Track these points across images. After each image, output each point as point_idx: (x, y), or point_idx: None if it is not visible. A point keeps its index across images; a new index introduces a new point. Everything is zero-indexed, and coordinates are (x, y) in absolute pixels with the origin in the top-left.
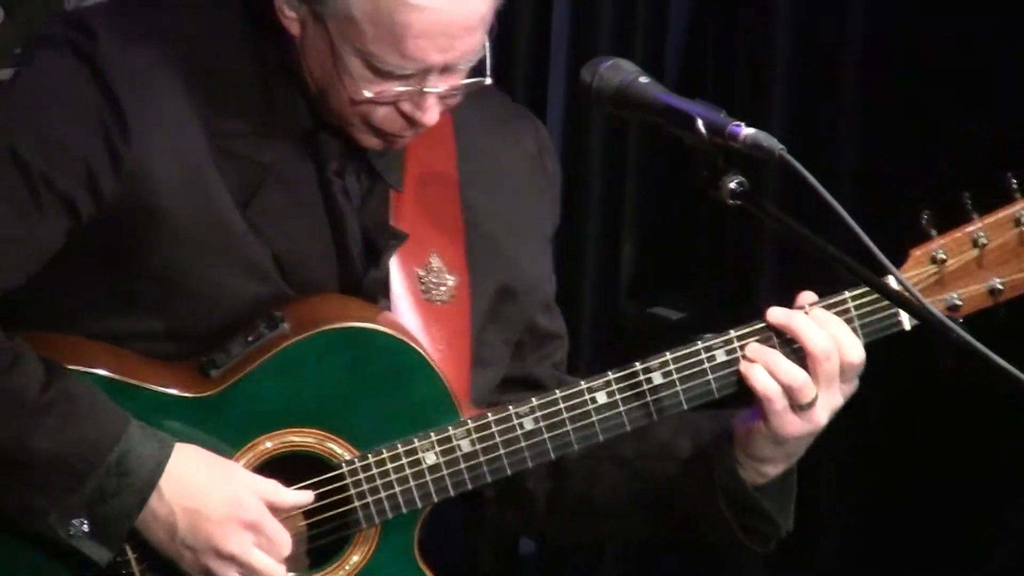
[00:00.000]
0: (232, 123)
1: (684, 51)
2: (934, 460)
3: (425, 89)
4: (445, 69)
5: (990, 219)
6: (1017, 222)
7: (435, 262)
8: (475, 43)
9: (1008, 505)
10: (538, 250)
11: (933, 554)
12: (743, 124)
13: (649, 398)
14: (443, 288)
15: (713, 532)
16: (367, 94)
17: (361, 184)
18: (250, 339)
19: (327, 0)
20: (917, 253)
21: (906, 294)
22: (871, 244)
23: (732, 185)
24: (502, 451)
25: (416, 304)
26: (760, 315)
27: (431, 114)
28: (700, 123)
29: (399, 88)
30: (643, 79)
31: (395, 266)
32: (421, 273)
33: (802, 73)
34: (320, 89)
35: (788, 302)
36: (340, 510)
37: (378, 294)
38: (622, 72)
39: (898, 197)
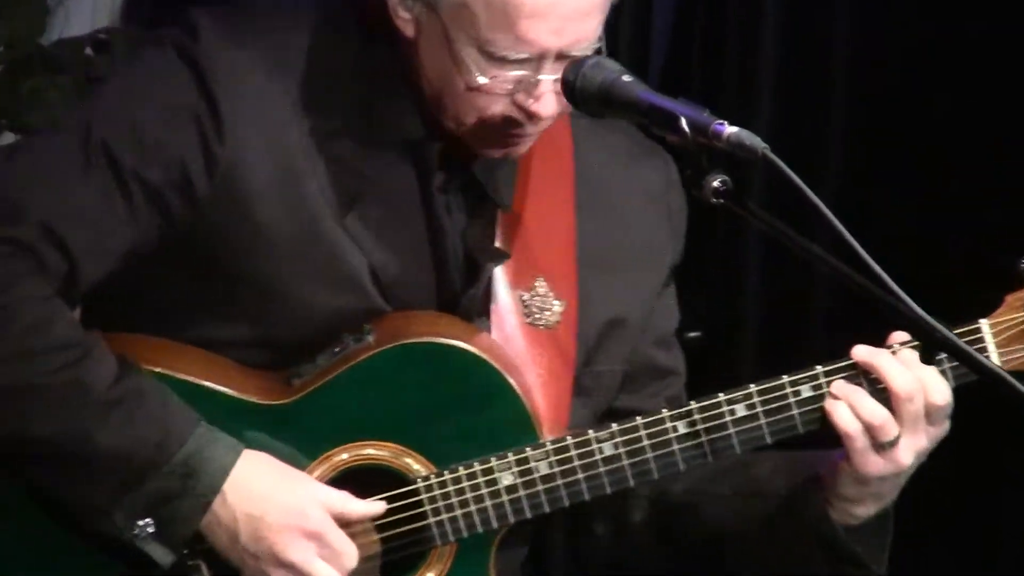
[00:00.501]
0: (334, 131)
1: (669, 49)
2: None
3: (540, 76)
4: (560, 56)
5: None
6: None
7: (541, 287)
8: (589, 29)
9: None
10: (655, 284)
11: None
12: (727, 123)
13: (732, 429)
14: (547, 312)
15: (791, 569)
16: (482, 80)
17: (467, 201)
18: (336, 351)
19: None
20: (1011, 299)
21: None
22: (856, 244)
23: (715, 184)
24: (580, 475)
25: (519, 326)
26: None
27: (546, 103)
28: (683, 122)
29: (513, 73)
30: (626, 78)
31: (500, 287)
32: (525, 296)
33: (789, 70)
34: (436, 89)
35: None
36: (415, 526)
37: (474, 313)
38: (605, 71)
39: (885, 198)
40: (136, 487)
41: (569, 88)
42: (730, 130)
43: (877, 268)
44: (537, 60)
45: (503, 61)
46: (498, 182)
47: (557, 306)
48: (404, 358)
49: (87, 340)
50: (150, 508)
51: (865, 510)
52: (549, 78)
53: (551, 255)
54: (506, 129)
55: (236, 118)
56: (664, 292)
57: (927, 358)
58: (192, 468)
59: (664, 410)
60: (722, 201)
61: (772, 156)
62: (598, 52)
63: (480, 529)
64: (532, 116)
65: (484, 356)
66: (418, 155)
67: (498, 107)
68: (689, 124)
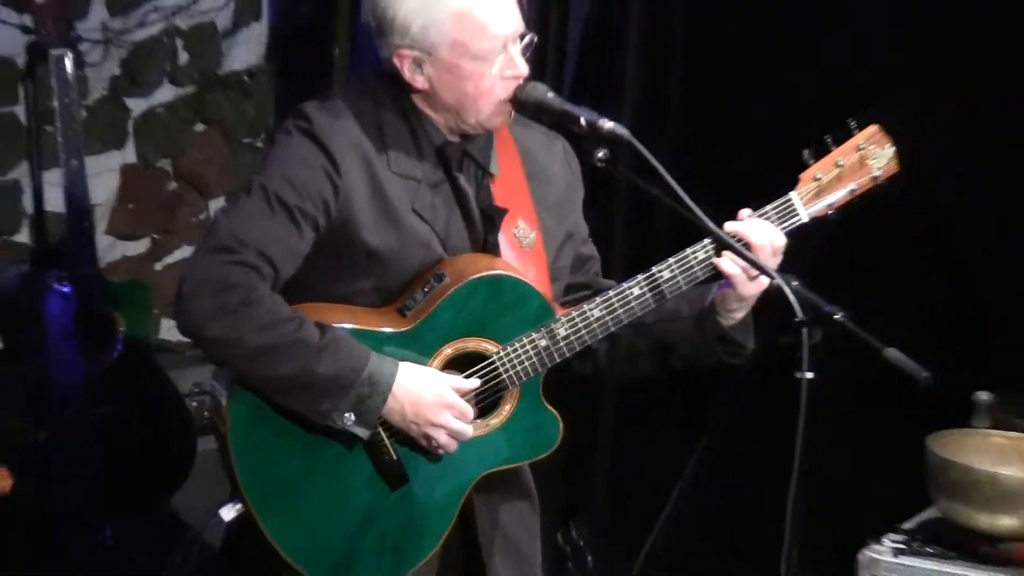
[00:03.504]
0: (395, 156)
1: (576, 73)
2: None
3: (512, 52)
4: (518, 35)
5: (842, 149)
6: (857, 148)
7: (521, 224)
8: (519, 15)
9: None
10: (577, 210)
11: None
12: (607, 119)
13: (664, 286)
14: (527, 239)
15: (708, 358)
16: (492, 77)
17: (473, 176)
18: (426, 290)
19: (432, 46)
20: (804, 176)
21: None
22: (694, 206)
23: (600, 155)
24: (583, 331)
25: (517, 250)
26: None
27: (522, 64)
28: (582, 120)
29: (499, 59)
30: (550, 94)
31: (503, 228)
32: (515, 231)
33: (643, 86)
34: (455, 106)
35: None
36: (495, 382)
37: (496, 249)
38: (537, 90)
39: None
40: (344, 395)
41: (518, 102)
42: (608, 124)
43: (712, 226)
44: (506, 43)
45: (491, 56)
46: (486, 158)
47: (532, 235)
48: (472, 287)
49: (299, 314)
50: (352, 407)
51: (740, 314)
52: (517, 48)
53: (521, 205)
54: (507, 95)
55: (344, 162)
56: (580, 213)
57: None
58: (373, 380)
59: (624, 283)
60: (603, 165)
61: (634, 140)
62: (531, 43)
63: (532, 374)
64: (519, 76)
65: (514, 275)
66: (442, 154)
67: (498, 87)
68: (586, 121)
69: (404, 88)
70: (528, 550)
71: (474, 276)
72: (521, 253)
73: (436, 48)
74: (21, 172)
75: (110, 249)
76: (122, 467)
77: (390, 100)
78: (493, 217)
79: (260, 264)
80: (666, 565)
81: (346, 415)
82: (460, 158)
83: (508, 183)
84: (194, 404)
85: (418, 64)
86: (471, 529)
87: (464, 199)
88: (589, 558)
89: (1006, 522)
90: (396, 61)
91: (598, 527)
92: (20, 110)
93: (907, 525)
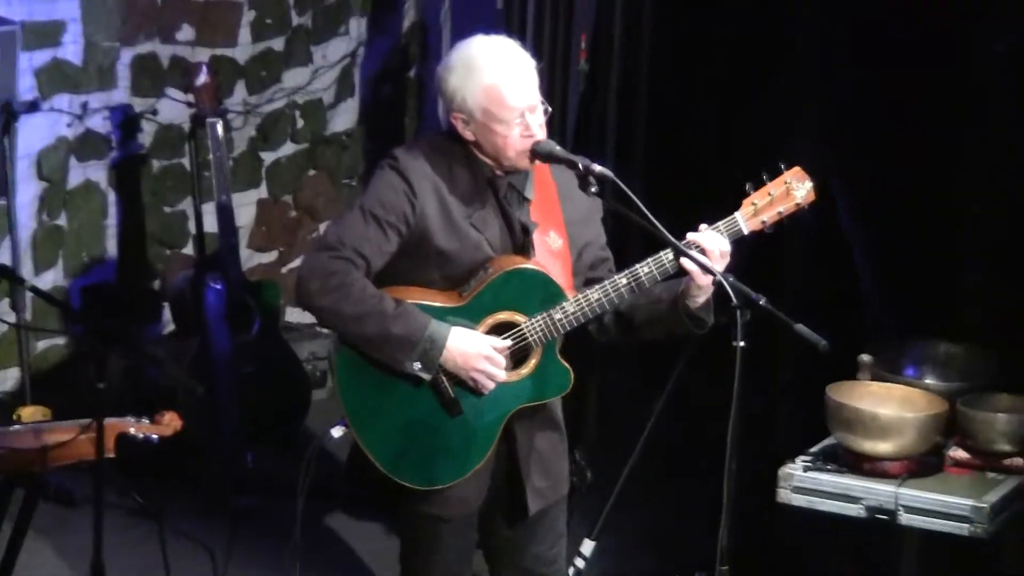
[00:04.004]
0: (458, 185)
1: (574, 128)
2: None
3: (528, 119)
4: (531, 108)
5: (774, 183)
6: (785, 182)
7: (552, 233)
8: (536, 88)
9: None
10: (596, 225)
11: None
12: (597, 164)
13: (643, 277)
14: (557, 244)
15: (681, 329)
16: (514, 136)
17: (516, 200)
18: (477, 278)
19: (471, 111)
20: (745, 201)
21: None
22: (659, 225)
23: (593, 189)
24: (585, 307)
25: (548, 252)
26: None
27: (537, 130)
28: (580, 164)
29: (517, 121)
30: (557, 147)
31: (536, 236)
32: (547, 238)
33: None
34: (494, 154)
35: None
36: (523, 343)
37: (530, 250)
38: (549, 144)
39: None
40: (412, 349)
41: (534, 153)
42: (597, 168)
43: (675, 242)
44: (523, 113)
45: (511, 121)
46: (524, 188)
47: (559, 241)
48: (507, 276)
49: (380, 292)
50: (419, 356)
51: (702, 298)
52: (535, 115)
53: (552, 220)
54: (526, 148)
55: (419, 187)
56: (601, 229)
57: (677, 257)
58: (433, 338)
59: (615, 276)
60: (595, 194)
61: (615, 178)
62: (547, 112)
63: (551, 336)
64: (532, 136)
65: (537, 268)
66: (492, 183)
67: (519, 143)
68: (582, 165)
69: (461, 139)
70: (557, 467)
71: (508, 268)
72: (551, 253)
73: (473, 113)
74: (187, 204)
75: (250, 258)
76: (259, 411)
77: (455, 146)
78: (527, 228)
79: (355, 258)
80: (640, 482)
81: (415, 363)
82: (505, 187)
83: (544, 205)
84: (308, 367)
85: (466, 123)
86: (514, 451)
87: (508, 215)
88: (588, 474)
89: (882, 447)
90: (453, 121)
91: (593, 452)
92: (186, 160)
93: (813, 449)
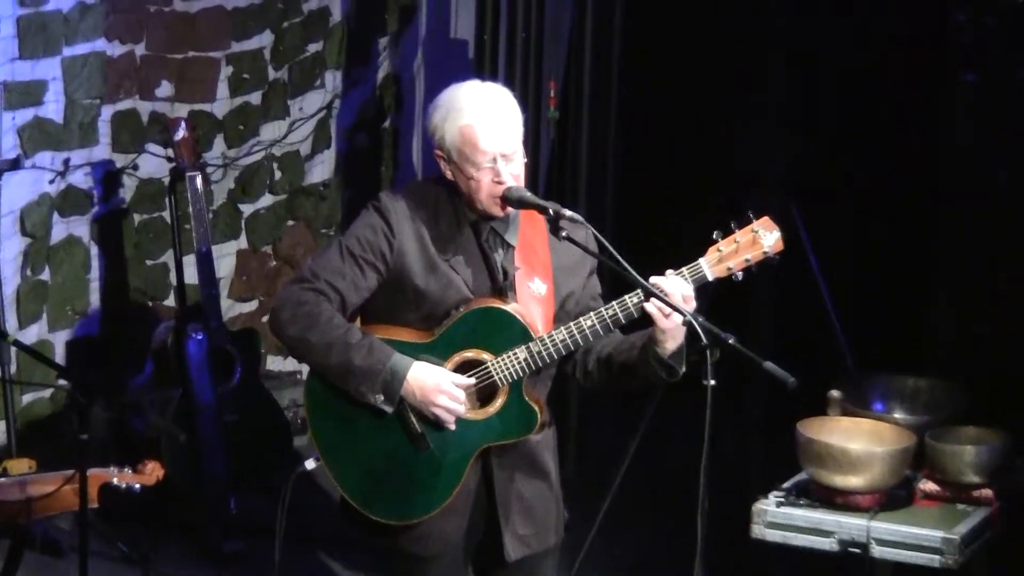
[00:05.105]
0: (441, 226)
1: (548, 173)
2: None
3: (498, 167)
4: (504, 155)
5: (741, 232)
6: (752, 231)
7: (536, 279)
8: (515, 138)
9: None
10: (584, 273)
11: None
12: (567, 209)
13: (608, 320)
14: (540, 290)
15: (652, 377)
16: (484, 180)
17: (498, 244)
18: (450, 317)
19: (448, 151)
20: (711, 248)
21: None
22: (631, 269)
23: (563, 233)
24: (551, 347)
25: (530, 297)
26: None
27: (507, 177)
28: (551, 210)
29: (488, 167)
30: (527, 193)
31: (519, 282)
32: (530, 284)
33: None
34: (468, 196)
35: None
36: (488, 381)
37: (510, 294)
38: (520, 191)
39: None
40: (374, 381)
41: (505, 199)
42: (568, 212)
43: (646, 284)
44: (495, 158)
45: (483, 165)
46: (510, 233)
47: (544, 287)
48: (475, 314)
49: (349, 324)
50: (381, 388)
51: (672, 345)
52: (504, 165)
53: (538, 266)
54: (496, 194)
55: (398, 227)
56: (592, 277)
57: (646, 297)
58: (394, 371)
59: (582, 319)
60: (565, 239)
61: (585, 222)
62: (525, 160)
63: (516, 376)
64: (502, 183)
65: (507, 308)
66: (473, 226)
67: (489, 188)
68: (552, 211)
69: (445, 181)
70: (543, 516)
71: (474, 307)
72: (533, 299)
73: (450, 153)
74: (168, 256)
75: (231, 308)
76: (241, 457)
77: (442, 190)
78: (508, 272)
79: (327, 290)
80: (619, 511)
81: (378, 395)
82: (487, 231)
83: (530, 251)
84: (290, 414)
85: (445, 162)
86: (491, 493)
87: (488, 259)
88: (565, 513)
89: (853, 481)
90: (436, 159)
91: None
92: (166, 214)
93: (785, 485)
